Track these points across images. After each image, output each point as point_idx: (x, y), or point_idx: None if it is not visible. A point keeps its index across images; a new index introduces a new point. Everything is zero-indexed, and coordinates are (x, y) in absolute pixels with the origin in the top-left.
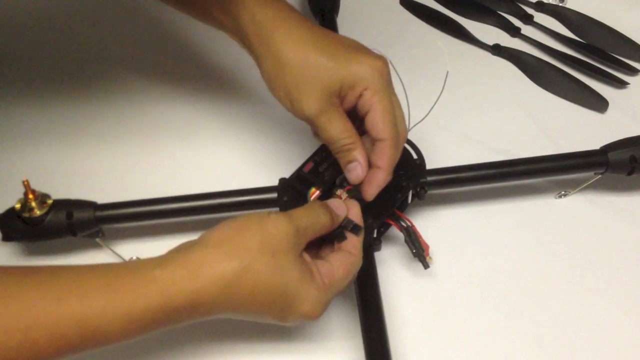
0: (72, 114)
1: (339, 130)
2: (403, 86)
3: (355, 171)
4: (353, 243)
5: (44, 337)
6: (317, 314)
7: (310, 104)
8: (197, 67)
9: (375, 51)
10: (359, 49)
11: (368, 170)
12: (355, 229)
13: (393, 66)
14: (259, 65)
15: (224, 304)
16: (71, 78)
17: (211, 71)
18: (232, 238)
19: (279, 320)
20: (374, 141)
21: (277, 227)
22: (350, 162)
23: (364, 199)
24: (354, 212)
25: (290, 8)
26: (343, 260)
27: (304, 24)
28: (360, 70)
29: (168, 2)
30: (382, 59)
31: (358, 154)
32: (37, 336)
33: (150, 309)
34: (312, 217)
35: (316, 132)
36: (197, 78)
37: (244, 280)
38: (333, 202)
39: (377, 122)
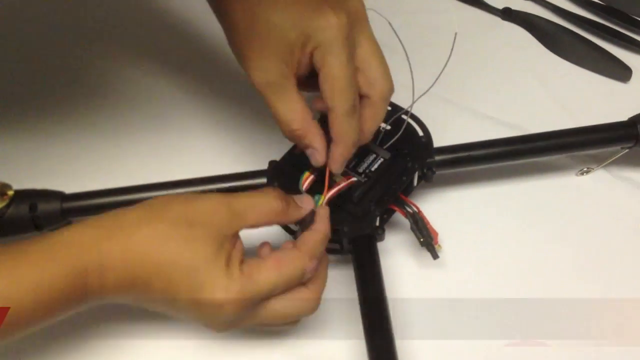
0: (37, 96)
1: (285, 110)
2: (407, 56)
3: (314, 157)
4: (304, 240)
5: None
6: (232, 311)
7: (258, 72)
8: (178, 45)
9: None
10: (319, 3)
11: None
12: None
13: (395, 31)
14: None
15: (132, 273)
16: (34, 58)
17: (194, 48)
18: (152, 204)
19: (195, 309)
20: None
21: (204, 202)
22: (306, 148)
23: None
24: (322, 214)
25: None
26: (277, 254)
27: None
28: (310, 27)
29: None
30: (340, 15)
31: (311, 140)
32: None
33: (59, 274)
34: (255, 198)
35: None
36: (177, 57)
37: (154, 246)
38: (299, 197)
39: (323, 89)
